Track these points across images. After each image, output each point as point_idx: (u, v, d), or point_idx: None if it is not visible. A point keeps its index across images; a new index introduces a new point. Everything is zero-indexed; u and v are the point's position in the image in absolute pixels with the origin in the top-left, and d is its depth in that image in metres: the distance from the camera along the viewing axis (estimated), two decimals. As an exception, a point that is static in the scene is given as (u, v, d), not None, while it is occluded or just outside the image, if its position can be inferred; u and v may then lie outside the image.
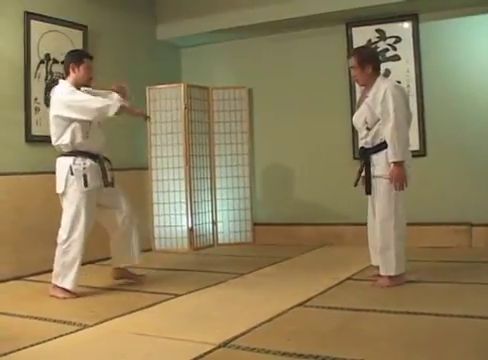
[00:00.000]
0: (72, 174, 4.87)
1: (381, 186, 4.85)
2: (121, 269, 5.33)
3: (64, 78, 5.18)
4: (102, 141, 5.19)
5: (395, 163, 4.71)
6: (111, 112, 4.81)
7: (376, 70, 5.00)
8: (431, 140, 6.97)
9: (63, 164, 4.92)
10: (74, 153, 4.92)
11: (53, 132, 4.97)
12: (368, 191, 4.96)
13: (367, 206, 5.18)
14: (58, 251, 4.89)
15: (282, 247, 7.41)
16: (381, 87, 4.85)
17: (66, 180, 4.88)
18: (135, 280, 5.34)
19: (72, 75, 5.07)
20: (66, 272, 4.83)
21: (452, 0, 6.57)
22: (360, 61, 4.96)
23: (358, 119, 5.04)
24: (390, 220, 4.81)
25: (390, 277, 4.84)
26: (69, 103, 4.85)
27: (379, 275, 4.93)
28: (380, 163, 4.84)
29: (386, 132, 4.75)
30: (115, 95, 5.18)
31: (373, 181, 4.91)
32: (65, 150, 4.94)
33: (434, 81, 7.00)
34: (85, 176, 4.88)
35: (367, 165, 4.93)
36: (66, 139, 4.89)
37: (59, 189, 4.94)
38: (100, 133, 5.17)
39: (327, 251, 7.04)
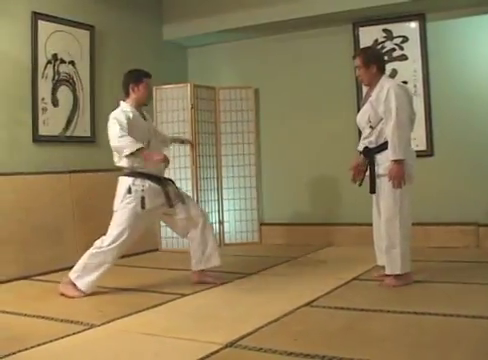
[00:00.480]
0: (130, 193, 4.92)
1: (386, 185, 4.86)
2: (199, 272, 5.33)
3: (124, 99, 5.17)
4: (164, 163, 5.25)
5: (395, 161, 4.73)
6: (125, 153, 4.81)
7: (380, 70, 5.04)
8: (438, 140, 6.96)
9: (123, 182, 4.99)
10: (134, 174, 4.97)
11: (114, 153, 5.06)
12: (372, 190, 4.98)
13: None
14: (89, 251, 4.93)
15: (288, 247, 7.42)
16: (385, 86, 4.89)
17: (123, 198, 4.94)
18: (212, 282, 5.30)
19: (132, 95, 5.13)
20: (85, 274, 4.87)
21: (459, 0, 6.55)
22: (365, 61, 5.01)
23: (361, 118, 5.08)
24: (395, 219, 4.82)
25: (396, 276, 4.85)
26: (108, 133, 4.93)
27: (385, 275, 4.94)
28: (384, 162, 4.85)
29: (388, 130, 4.77)
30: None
31: (378, 180, 4.93)
32: (126, 171, 5.00)
33: (441, 81, 6.98)
34: (143, 198, 4.93)
35: (371, 164, 4.95)
36: (124, 163, 4.95)
37: (115, 207, 4.98)
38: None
39: (333, 251, 7.04)
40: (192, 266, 5.31)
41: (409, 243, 4.89)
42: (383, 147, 4.88)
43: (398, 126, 4.73)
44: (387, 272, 4.90)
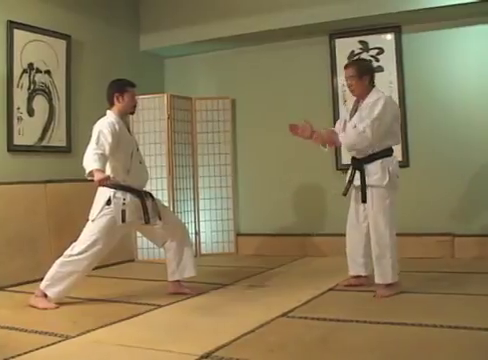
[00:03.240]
0: (109, 204, 4.85)
1: (376, 195, 4.90)
2: (175, 282, 5.31)
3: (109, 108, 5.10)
4: (145, 177, 5.24)
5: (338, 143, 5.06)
6: (87, 171, 4.66)
7: (372, 82, 5.08)
8: (414, 151, 6.99)
9: (103, 193, 4.89)
10: (115, 186, 4.89)
11: None
12: (364, 199, 4.99)
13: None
14: (59, 260, 4.87)
15: (265, 258, 7.41)
16: (375, 96, 4.95)
17: (101, 209, 4.86)
18: (188, 293, 5.26)
19: (117, 105, 5.06)
20: (55, 283, 4.81)
21: (434, 12, 6.60)
22: (358, 72, 5.03)
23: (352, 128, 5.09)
24: (385, 229, 4.87)
25: (388, 286, 4.88)
26: None
27: (362, 283, 4.96)
28: (376, 173, 4.89)
29: (359, 125, 4.86)
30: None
31: (368, 190, 4.95)
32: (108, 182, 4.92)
33: (416, 92, 7.03)
34: (124, 212, 4.87)
35: (362, 174, 4.98)
36: (108, 174, 4.85)
37: (92, 216, 4.90)
38: (142, 169, 5.20)
39: (309, 262, 7.04)
40: (168, 276, 5.29)
41: (397, 252, 4.93)
42: (373, 157, 4.92)
43: (363, 133, 4.81)
44: (378, 281, 4.92)
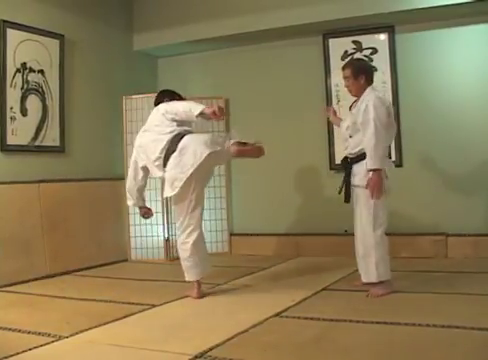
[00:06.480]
0: None
1: (361, 195, 4.92)
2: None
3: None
4: None
5: (373, 171, 4.76)
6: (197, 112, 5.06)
7: (368, 81, 5.08)
8: (407, 151, 7.00)
9: None
10: None
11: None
12: (347, 199, 5.05)
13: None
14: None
15: (258, 257, 7.40)
16: (365, 98, 4.94)
17: None
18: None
19: None
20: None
21: (427, 13, 6.60)
22: (354, 72, 5.05)
23: (343, 128, 5.16)
24: (370, 228, 4.88)
25: (380, 285, 4.90)
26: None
27: (364, 284, 4.98)
28: (360, 173, 4.92)
29: (365, 140, 4.81)
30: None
31: (354, 190, 5.00)
32: None
33: (410, 92, 7.04)
34: None
35: (347, 174, 5.03)
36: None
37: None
38: None
39: (303, 261, 7.04)
40: None
41: (385, 251, 4.95)
42: (359, 158, 4.95)
43: (375, 136, 4.75)
44: (363, 280, 4.98)
